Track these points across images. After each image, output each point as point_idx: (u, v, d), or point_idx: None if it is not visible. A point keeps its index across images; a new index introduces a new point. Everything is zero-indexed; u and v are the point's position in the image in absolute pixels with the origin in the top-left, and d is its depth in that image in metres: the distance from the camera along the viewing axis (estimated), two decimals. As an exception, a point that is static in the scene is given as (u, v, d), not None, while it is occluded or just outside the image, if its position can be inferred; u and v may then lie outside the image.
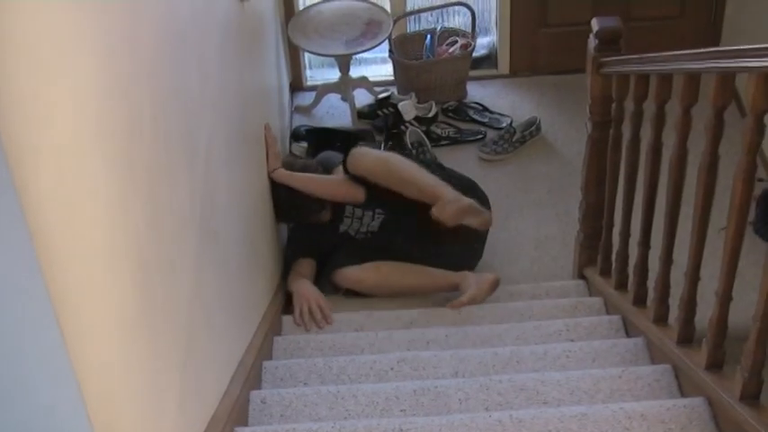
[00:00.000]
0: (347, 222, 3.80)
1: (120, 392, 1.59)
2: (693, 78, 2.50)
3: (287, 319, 3.47)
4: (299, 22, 4.81)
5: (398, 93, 5.04)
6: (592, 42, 3.29)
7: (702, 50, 2.34)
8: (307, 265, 3.78)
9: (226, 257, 2.54)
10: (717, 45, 5.05)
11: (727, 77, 2.29)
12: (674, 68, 2.58)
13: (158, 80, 1.83)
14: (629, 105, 3.01)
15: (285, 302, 3.61)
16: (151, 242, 1.72)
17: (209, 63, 2.45)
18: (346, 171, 3.68)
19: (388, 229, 3.78)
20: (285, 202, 3.66)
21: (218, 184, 2.45)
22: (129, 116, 1.61)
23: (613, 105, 3.23)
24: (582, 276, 3.78)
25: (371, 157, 3.68)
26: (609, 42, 3.24)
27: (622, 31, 3.27)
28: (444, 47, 5.08)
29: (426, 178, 3.63)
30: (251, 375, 2.72)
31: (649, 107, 2.84)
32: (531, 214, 4.38)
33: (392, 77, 5.20)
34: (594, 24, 3.27)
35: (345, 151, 3.73)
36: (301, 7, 5.03)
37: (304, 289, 3.57)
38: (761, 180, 4.12)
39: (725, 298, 2.38)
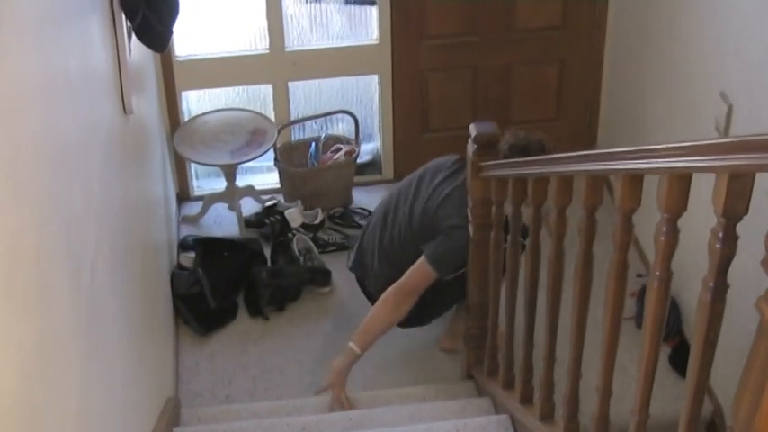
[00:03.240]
0: None
1: None
2: (566, 180, 2.60)
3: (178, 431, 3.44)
4: (184, 132, 4.85)
5: (285, 200, 5.08)
6: (470, 147, 3.38)
7: (573, 154, 2.45)
8: None
9: (113, 371, 2.52)
10: (593, 146, 5.24)
11: (598, 179, 2.39)
12: (549, 171, 2.68)
13: (40, 198, 1.83)
14: (509, 208, 3.10)
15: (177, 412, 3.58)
16: (35, 361, 1.71)
17: (93, 177, 2.46)
18: None
19: None
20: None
21: (105, 298, 2.44)
22: (10, 236, 1.61)
23: (493, 208, 3.32)
24: (470, 377, 3.83)
25: None
26: (487, 147, 3.34)
27: (499, 136, 3.38)
28: (329, 154, 5.16)
29: None
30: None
31: (527, 209, 2.93)
32: (420, 317, 4.43)
33: (278, 185, 5.24)
34: (472, 130, 3.37)
35: (233, 261, 3.74)
36: (186, 118, 5.06)
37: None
38: (640, 276, 4.25)
39: (605, 393, 2.45)
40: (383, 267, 3.92)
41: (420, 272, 3.66)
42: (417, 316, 3.84)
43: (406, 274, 3.69)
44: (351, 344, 3.75)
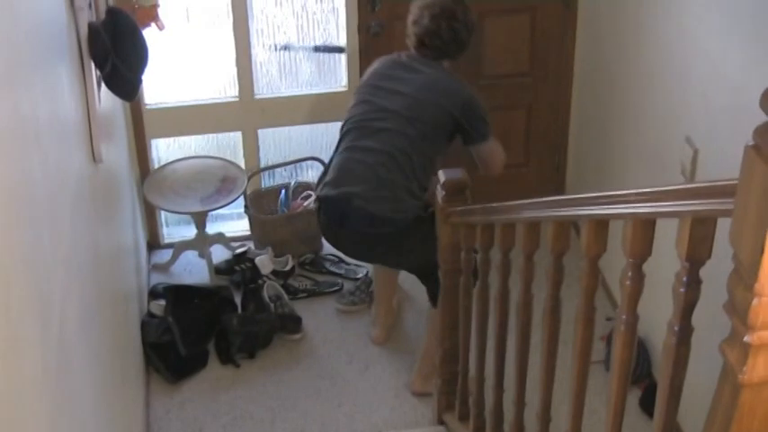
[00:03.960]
0: None
1: None
2: (534, 226, 2.63)
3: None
4: (154, 180, 4.85)
5: (255, 247, 5.09)
6: (439, 193, 3.41)
7: (539, 200, 2.48)
8: None
9: (83, 422, 2.51)
10: (562, 192, 5.29)
11: (564, 225, 2.42)
12: (516, 218, 2.71)
13: (9, 247, 1.84)
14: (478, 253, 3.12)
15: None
16: (4, 413, 1.70)
17: (63, 226, 2.46)
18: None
19: None
20: None
21: (74, 348, 2.44)
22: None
23: (462, 253, 3.34)
24: (442, 422, 3.83)
25: None
26: (455, 193, 3.37)
27: (468, 183, 3.41)
28: (299, 200, 5.17)
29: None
30: None
31: (495, 255, 2.95)
32: (392, 362, 4.43)
33: (249, 232, 5.25)
34: (441, 176, 3.41)
35: (204, 309, 3.73)
36: (156, 166, 5.07)
37: None
38: (610, 319, 4.27)
39: (575, 437, 2.46)
40: (399, 176, 3.88)
41: (491, 150, 4.02)
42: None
43: (491, 165, 4.04)
44: None
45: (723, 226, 1.76)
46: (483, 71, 5.04)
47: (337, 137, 4.09)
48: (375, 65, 4.08)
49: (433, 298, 3.88)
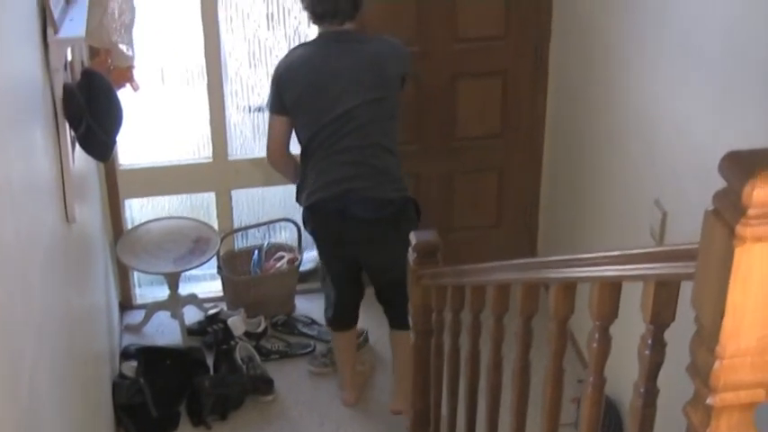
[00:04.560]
0: None
1: None
2: (503, 288, 2.65)
3: None
4: (127, 240, 4.86)
5: (228, 308, 5.08)
6: (411, 255, 3.43)
7: (508, 263, 2.50)
8: None
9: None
10: (534, 253, 5.32)
11: (533, 287, 2.44)
12: (486, 280, 2.74)
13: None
14: (449, 315, 3.14)
15: None
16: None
17: (35, 287, 2.46)
18: None
19: None
20: None
21: (44, 410, 2.43)
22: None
23: (433, 315, 3.36)
24: (414, 485, 3.81)
25: None
26: (427, 255, 3.39)
27: (439, 245, 3.43)
28: (272, 262, 5.18)
29: None
30: None
31: (466, 316, 2.97)
32: (364, 424, 4.42)
33: (221, 293, 5.25)
34: (413, 238, 3.42)
35: (176, 370, 3.72)
36: (130, 226, 5.08)
37: None
38: (581, 381, 4.28)
39: (545, 499, 2.46)
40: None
41: None
42: None
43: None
44: None
45: (688, 289, 1.79)
46: (455, 133, 5.09)
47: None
48: (294, 76, 4.07)
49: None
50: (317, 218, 4.11)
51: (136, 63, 3.98)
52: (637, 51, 3.77)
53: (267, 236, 5.42)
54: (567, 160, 4.86)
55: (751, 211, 1.27)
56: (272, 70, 4.21)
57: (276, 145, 4.21)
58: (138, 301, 5.37)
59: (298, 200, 4.22)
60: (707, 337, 1.37)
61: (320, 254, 4.40)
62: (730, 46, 2.98)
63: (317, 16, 4.00)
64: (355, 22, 4.04)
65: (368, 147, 3.97)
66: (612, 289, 1.98)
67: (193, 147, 5.12)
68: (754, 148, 1.34)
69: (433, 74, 4.90)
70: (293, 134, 4.15)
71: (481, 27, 4.90)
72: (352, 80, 3.95)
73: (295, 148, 4.22)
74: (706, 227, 1.36)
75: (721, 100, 3.06)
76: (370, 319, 4.99)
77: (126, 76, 3.96)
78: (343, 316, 4.42)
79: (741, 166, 1.31)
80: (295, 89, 4.02)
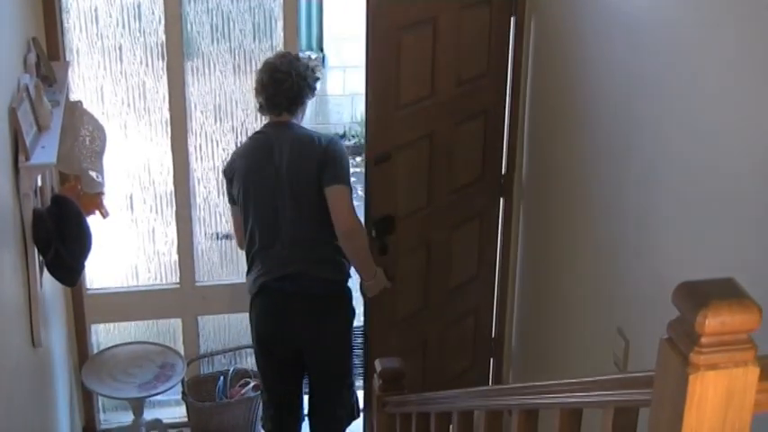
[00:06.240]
0: None
1: None
2: (467, 415, 2.66)
3: None
4: (93, 365, 4.83)
5: (192, 434, 5.04)
6: (376, 382, 3.43)
7: (472, 390, 2.53)
8: None
9: None
10: (500, 382, 5.29)
11: (496, 414, 2.46)
12: (450, 407, 2.75)
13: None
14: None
15: None
16: None
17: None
18: None
19: None
20: None
21: None
22: None
23: (398, 443, 3.35)
24: None
25: None
26: (391, 382, 3.39)
27: (404, 372, 3.44)
28: (237, 387, 5.16)
29: None
30: None
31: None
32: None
33: (186, 419, 5.20)
34: (377, 365, 3.43)
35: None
36: (95, 351, 5.05)
37: None
38: None
39: None
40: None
41: (342, 197, 4.03)
42: None
43: (338, 212, 4.01)
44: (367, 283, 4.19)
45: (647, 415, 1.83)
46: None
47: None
48: (235, 170, 4.24)
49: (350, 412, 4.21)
50: (263, 300, 4.21)
51: (105, 190, 4.03)
52: (597, 184, 3.85)
53: (233, 362, 5.40)
54: (535, 291, 4.88)
55: (704, 340, 1.31)
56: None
57: (240, 234, 4.36)
58: (103, 426, 5.30)
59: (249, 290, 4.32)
60: (663, 464, 1.40)
61: (257, 354, 4.49)
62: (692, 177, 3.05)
63: (259, 107, 4.20)
64: (296, 116, 4.20)
65: (304, 240, 4.10)
66: (573, 416, 2.00)
67: (161, 272, 5.14)
68: (707, 278, 1.39)
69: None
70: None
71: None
72: (280, 175, 4.06)
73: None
74: (661, 355, 1.40)
75: (689, 230, 3.11)
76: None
77: (95, 202, 4.01)
78: (281, 419, 4.48)
79: (693, 296, 1.36)
80: (237, 183, 4.21)
